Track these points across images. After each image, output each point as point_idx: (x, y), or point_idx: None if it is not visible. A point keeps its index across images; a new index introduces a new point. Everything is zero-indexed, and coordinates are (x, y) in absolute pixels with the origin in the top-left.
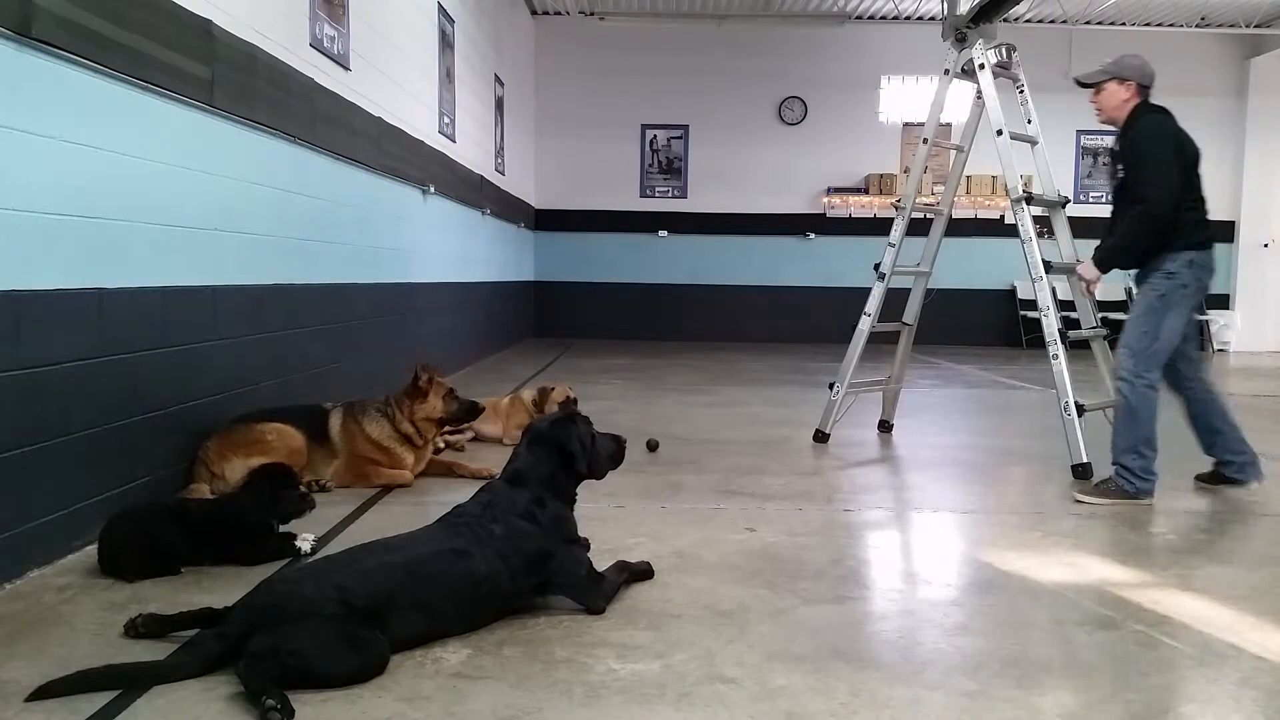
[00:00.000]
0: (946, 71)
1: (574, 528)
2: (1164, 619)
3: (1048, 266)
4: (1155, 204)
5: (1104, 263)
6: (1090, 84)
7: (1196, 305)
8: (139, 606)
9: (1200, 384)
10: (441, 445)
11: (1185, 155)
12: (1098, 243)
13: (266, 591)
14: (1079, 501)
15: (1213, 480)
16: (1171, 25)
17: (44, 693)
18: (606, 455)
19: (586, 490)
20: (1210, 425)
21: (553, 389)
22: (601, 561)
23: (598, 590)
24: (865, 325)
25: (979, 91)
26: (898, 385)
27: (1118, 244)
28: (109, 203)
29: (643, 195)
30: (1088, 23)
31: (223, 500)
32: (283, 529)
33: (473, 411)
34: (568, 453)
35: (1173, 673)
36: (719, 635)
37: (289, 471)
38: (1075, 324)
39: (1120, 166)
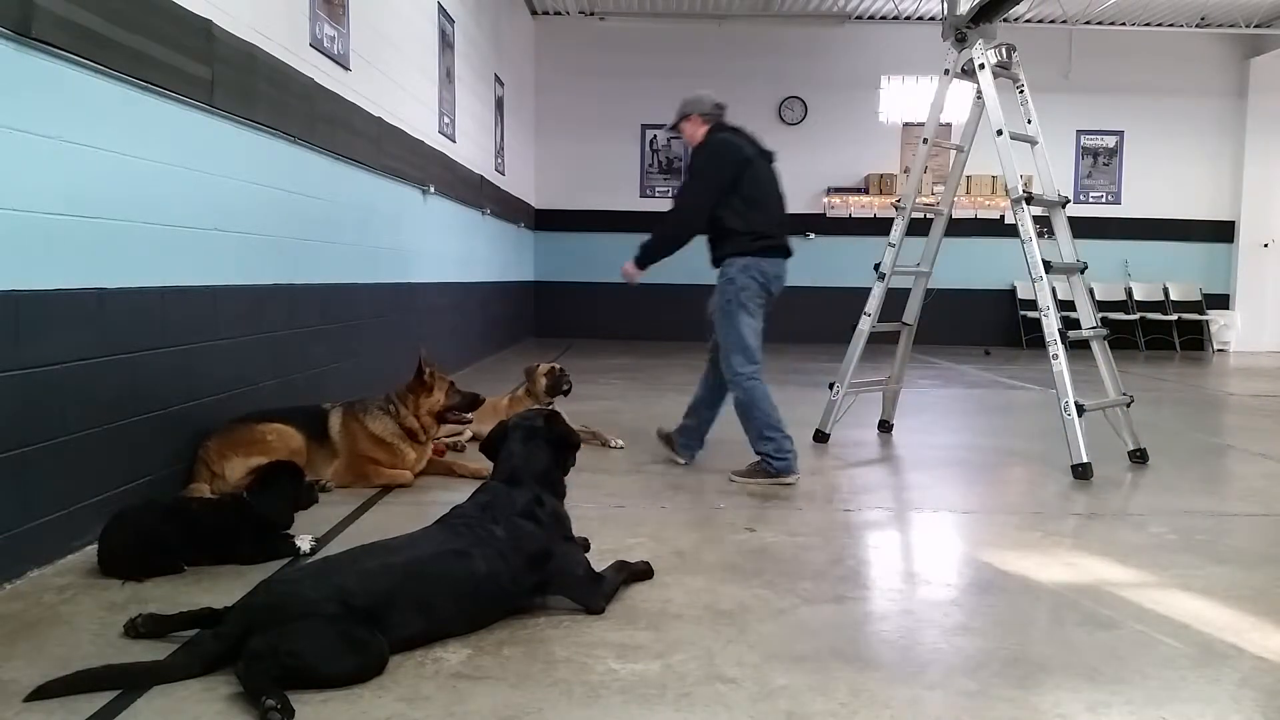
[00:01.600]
0: (946, 71)
1: (570, 524)
2: (1164, 619)
3: (1048, 266)
4: (679, 210)
5: (639, 260)
6: (673, 127)
7: (766, 305)
8: (139, 606)
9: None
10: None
11: (740, 169)
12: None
13: (266, 592)
14: (733, 481)
15: (669, 441)
16: (1171, 25)
17: (43, 693)
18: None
19: (586, 490)
20: (700, 409)
21: (536, 366)
22: (601, 561)
23: (597, 590)
24: (865, 325)
25: (979, 91)
26: (898, 385)
27: (647, 243)
28: (109, 203)
29: (643, 195)
30: (1088, 23)
31: (233, 499)
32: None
33: (475, 402)
34: (570, 446)
35: (1173, 673)
36: (719, 635)
37: (297, 466)
38: (1075, 324)
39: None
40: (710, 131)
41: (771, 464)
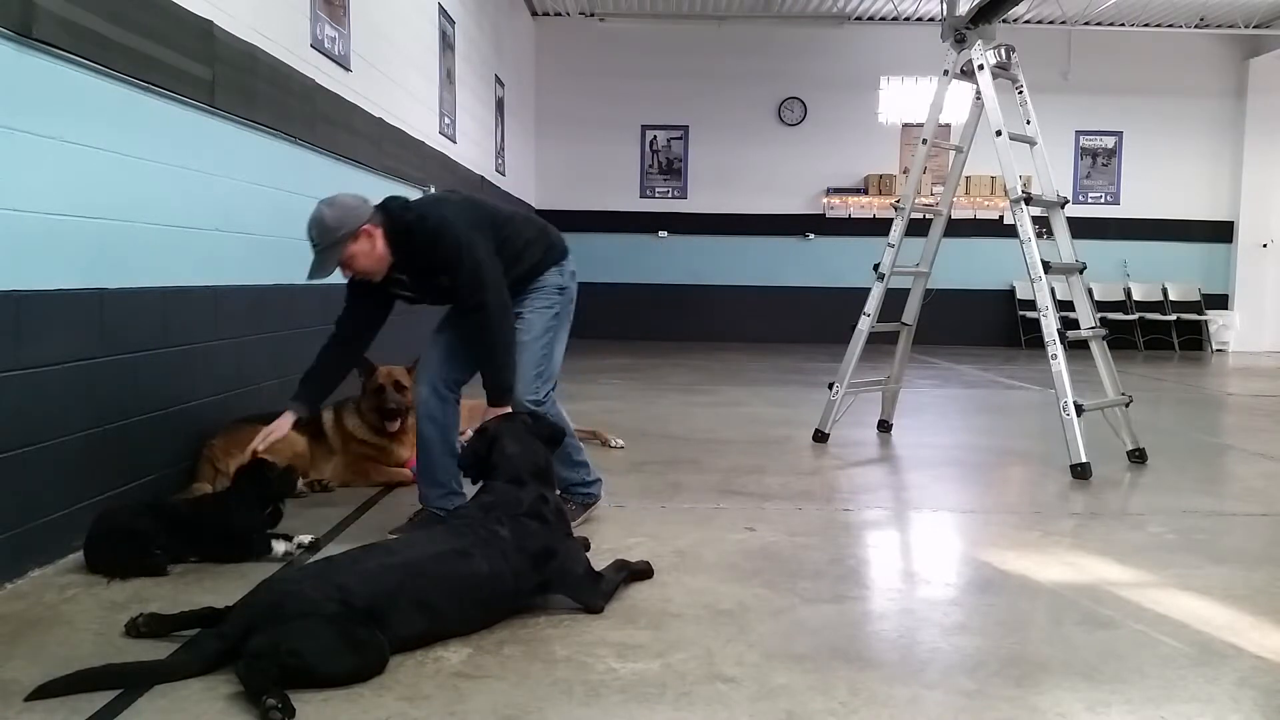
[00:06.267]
0: (945, 72)
1: (570, 521)
2: (1163, 618)
3: (1046, 267)
4: (495, 298)
5: (506, 392)
6: (332, 265)
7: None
8: (140, 606)
9: (457, 393)
10: None
11: (486, 212)
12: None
13: (267, 591)
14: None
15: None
16: (1171, 25)
17: (44, 692)
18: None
19: None
20: (449, 439)
21: None
22: (601, 561)
23: (596, 589)
24: (865, 325)
25: (978, 92)
26: (897, 385)
27: (500, 364)
28: (110, 203)
29: (643, 195)
30: (1087, 23)
31: (214, 498)
32: (279, 529)
33: (385, 410)
34: (557, 441)
35: (1172, 672)
36: (719, 635)
37: (266, 461)
38: (1074, 324)
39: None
40: (406, 218)
41: (592, 490)
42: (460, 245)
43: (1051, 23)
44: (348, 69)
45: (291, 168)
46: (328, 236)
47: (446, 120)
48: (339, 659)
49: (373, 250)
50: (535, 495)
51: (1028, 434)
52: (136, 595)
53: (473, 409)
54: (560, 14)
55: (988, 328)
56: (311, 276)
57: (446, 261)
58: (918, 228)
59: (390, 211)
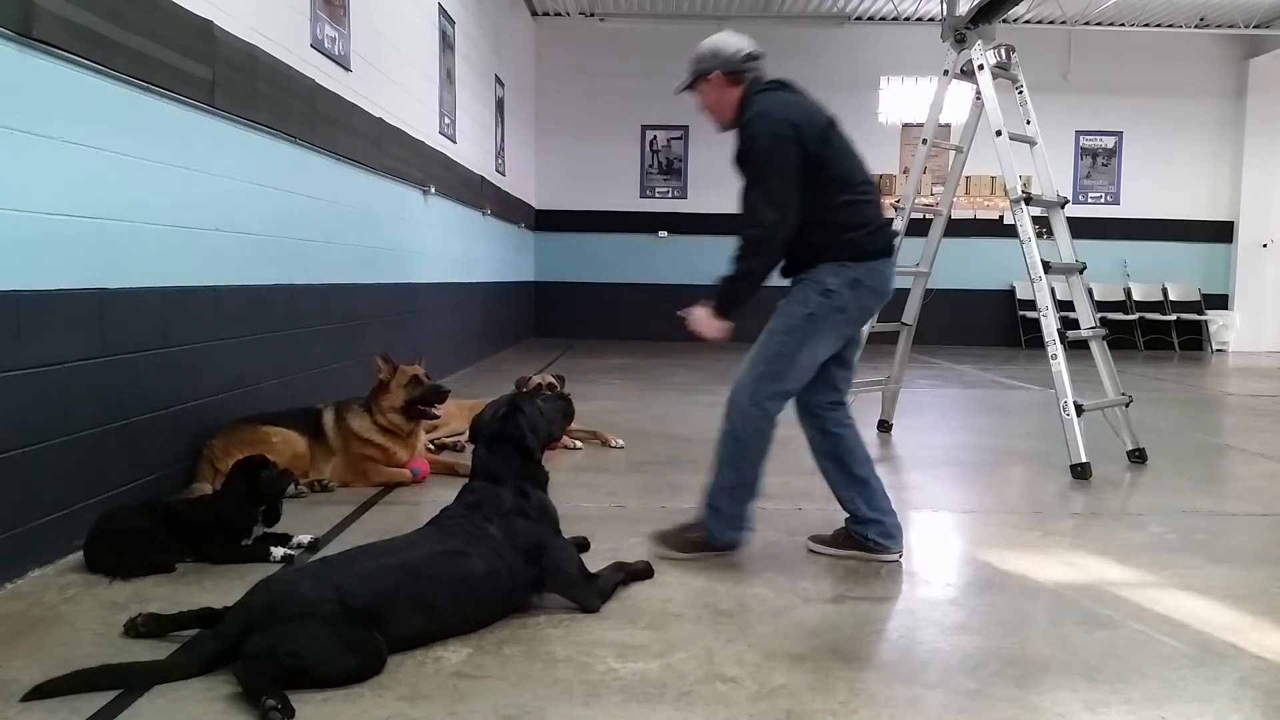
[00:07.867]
0: (946, 72)
1: (557, 518)
2: (1163, 618)
3: (1046, 267)
4: (777, 227)
5: (722, 305)
6: (682, 87)
7: (856, 330)
8: (139, 606)
9: (841, 415)
10: (432, 446)
11: (822, 136)
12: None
13: (265, 591)
14: (662, 558)
15: (841, 543)
16: (1171, 25)
17: (42, 692)
18: (558, 416)
19: (586, 490)
20: (849, 469)
21: (528, 378)
22: (601, 561)
23: (592, 588)
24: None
25: (978, 92)
26: (897, 385)
27: (728, 282)
28: (110, 203)
29: (643, 195)
30: (1087, 23)
31: (210, 499)
32: (277, 530)
33: (435, 394)
34: (524, 447)
35: (1171, 672)
36: (719, 635)
37: (263, 458)
38: (1074, 324)
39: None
40: (748, 95)
41: (723, 530)
42: (758, 147)
43: (1051, 23)
44: (348, 69)
45: (291, 168)
46: (692, 63)
47: (446, 120)
48: (338, 659)
49: (718, 99)
50: (514, 491)
51: (1028, 434)
52: (136, 595)
53: (466, 408)
54: (560, 14)
55: (988, 328)
56: (677, 89)
57: (741, 152)
58: (918, 228)
59: (756, 80)
